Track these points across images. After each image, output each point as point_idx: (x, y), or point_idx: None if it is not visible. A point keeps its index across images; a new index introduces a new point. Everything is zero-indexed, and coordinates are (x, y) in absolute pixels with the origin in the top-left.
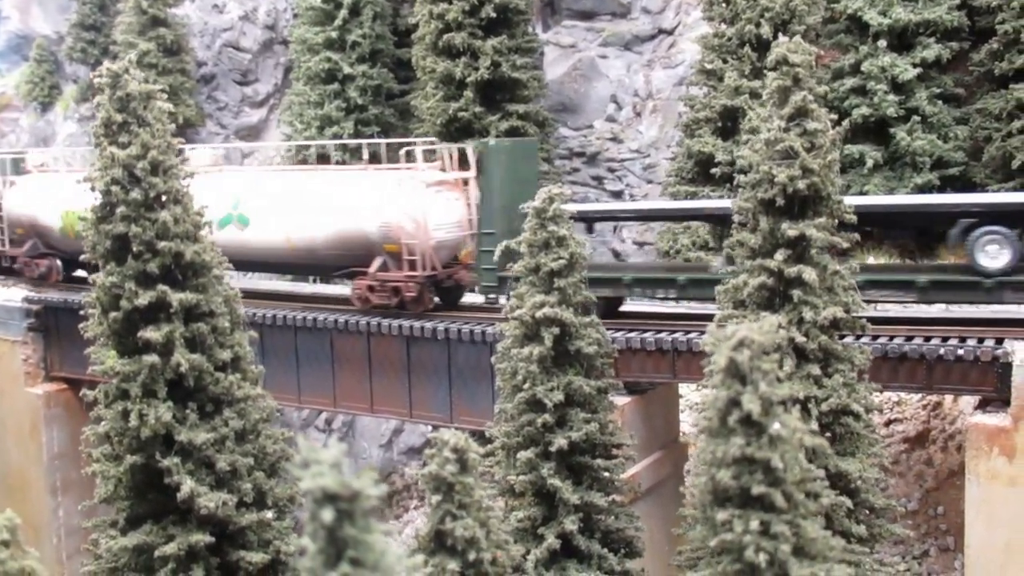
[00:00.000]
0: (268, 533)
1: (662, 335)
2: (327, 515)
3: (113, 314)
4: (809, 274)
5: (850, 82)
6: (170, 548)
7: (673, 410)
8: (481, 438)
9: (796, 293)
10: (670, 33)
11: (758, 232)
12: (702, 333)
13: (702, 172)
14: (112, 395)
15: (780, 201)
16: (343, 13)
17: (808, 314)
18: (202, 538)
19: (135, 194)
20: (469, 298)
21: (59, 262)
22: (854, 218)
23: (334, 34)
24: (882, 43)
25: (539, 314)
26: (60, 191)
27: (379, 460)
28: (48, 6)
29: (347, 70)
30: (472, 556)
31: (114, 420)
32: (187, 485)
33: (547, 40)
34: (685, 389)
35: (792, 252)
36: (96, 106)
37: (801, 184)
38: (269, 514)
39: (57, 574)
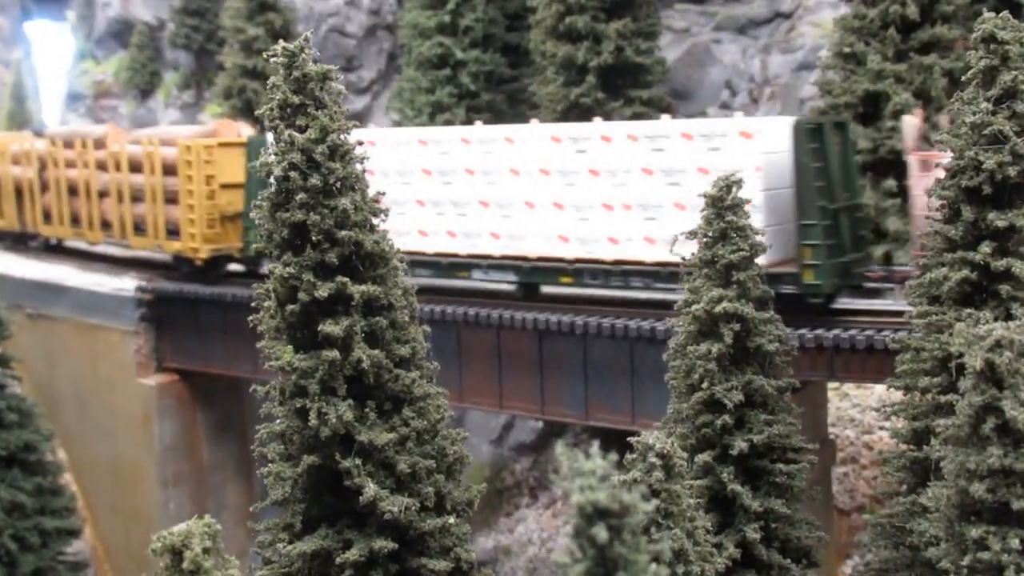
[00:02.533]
0: (448, 539)
1: (819, 331)
2: (601, 533)
3: (290, 307)
4: (1020, 267)
5: None
6: (352, 554)
7: (822, 409)
8: (617, 439)
9: (1004, 288)
10: (788, 17)
11: (959, 223)
12: (863, 330)
13: None
14: (289, 392)
15: (987, 189)
16: None
17: (1019, 311)
18: (385, 544)
19: (314, 180)
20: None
21: None
22: None
23: (446, 18)
24: None
25: (718, 309)
26: None
27: (489, 456)
28: None
29: (459, 55)
30: (680, 570)
31: (289, 418)
32: (370, 489)
33: None
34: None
35: (997, 244)
36: (270, 87)
37: (1011, 171)
38: (452, 519)
39: None
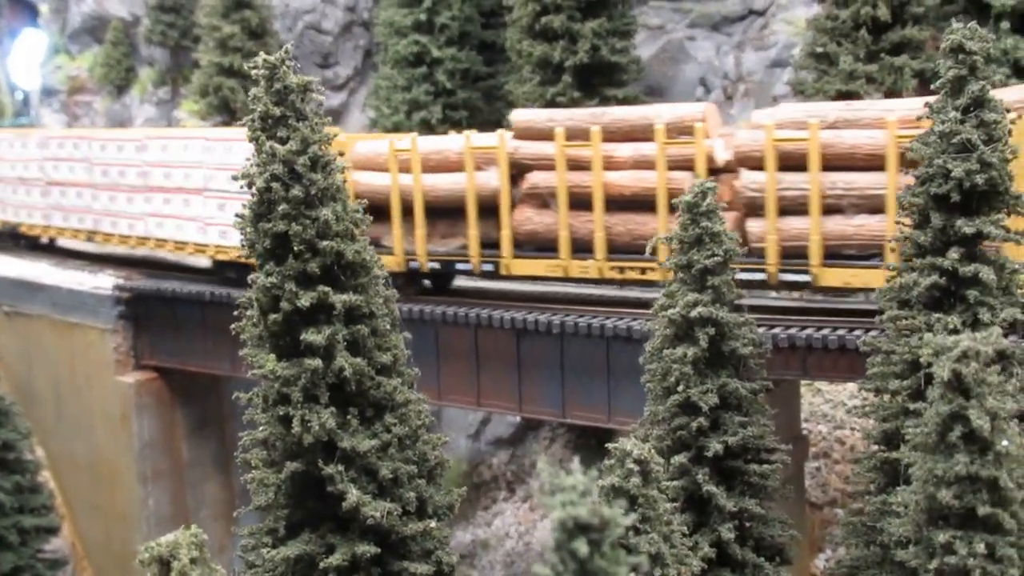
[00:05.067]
0: (430, 543)
1: (793, 331)
2: (582, 548)
3: (272, 316)
4: (987, 273)
5: None
6: (335, 559)
7: (794, 406)
8: (593, 434)
9: (972, 294)
10: (761, 14)
11: (928, 229)
12: (835, 329)
13: None
14: (272, 399)
15: (956, 196)
16: None
17: (985, 316)
18: (368, 549)
19: (296, 191)
20: (580, 289)
21: None
22: None
23: (423, 16)
24: (1004, 25)
25: (693, 313)
26: None
27: (467, 451)
28: None
29: (436, 53)
30: (657, 573)
31: (272, 425)
32: (353, 494)
33: None
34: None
35: (965, 250)
36: (252, 99)
37: (979, 179)
38: (433, 523)
39: None
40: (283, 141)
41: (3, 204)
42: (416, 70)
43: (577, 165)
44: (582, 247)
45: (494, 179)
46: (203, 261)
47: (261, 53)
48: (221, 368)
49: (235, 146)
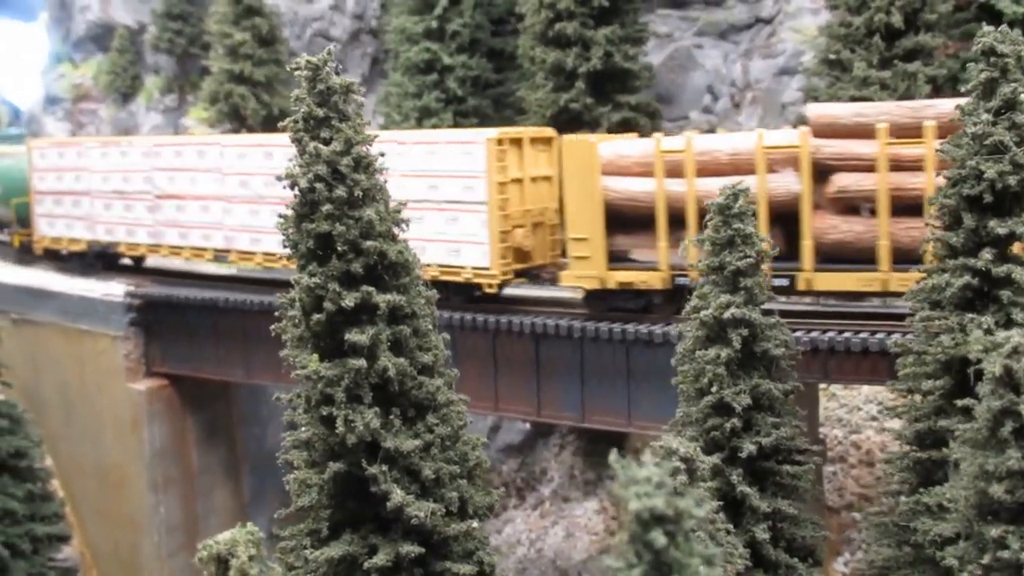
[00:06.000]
0: (471, 543)
1: (815, 334)
2: (659, 539)
3: (316, 316)
4: (1020, 274)
5: None
6: (379, 559)
7: (814, 410)
8: (605, 440)
9: (1005, 294)
10: (769, 22)
11: (960, 230)
12: (857, 332)
13: None
14: (314, 400)
15: (988, 197)
16: (443, 2)
17: (1019, 316)
18: (412, 549)
19: (339, 191)
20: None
21: None
22: None
23: (434, 23)
24: (1016, 32)
25: (727, 315)
26: None
27: None
28: None
29: (446, 60)
30: (704, 571)
31: (315, 426)
32: (397, 495)
33: None
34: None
35: (997, 251)
36: (294, 100)
37: (1011, 180)
38: (475, 523)
39: (158, 571)
40: (326, 142)
41: (90, 221)
42: (427, 77)
43: (898, 166)
44: (905, 258)
45: (794, 182)
46: None
47: (303, 54)
48: (234, 375)
49: (439, 149)
